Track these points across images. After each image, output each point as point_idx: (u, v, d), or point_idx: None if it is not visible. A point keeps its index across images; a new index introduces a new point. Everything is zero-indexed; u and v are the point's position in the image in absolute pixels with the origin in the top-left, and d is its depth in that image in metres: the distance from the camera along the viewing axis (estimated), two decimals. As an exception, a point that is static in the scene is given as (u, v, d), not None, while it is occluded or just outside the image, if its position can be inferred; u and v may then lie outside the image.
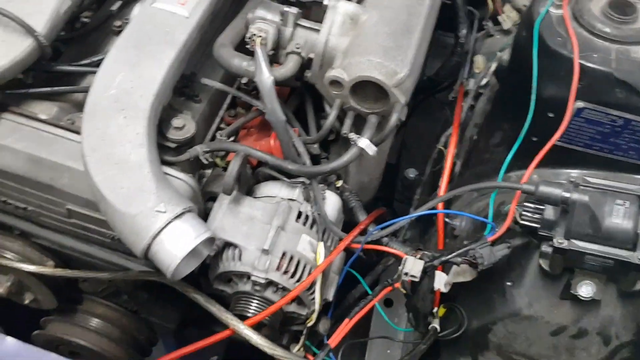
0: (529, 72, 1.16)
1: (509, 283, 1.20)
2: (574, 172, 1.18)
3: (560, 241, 1.00)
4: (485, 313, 1.22)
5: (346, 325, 0.98)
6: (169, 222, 0.84)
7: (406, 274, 0.98)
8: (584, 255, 1.00)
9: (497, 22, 1.53)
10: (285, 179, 1.09)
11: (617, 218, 0.97)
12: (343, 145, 1.13)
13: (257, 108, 1.12)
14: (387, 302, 1.53)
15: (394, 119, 0.99)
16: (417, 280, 0.99)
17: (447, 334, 1.19)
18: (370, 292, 1.10)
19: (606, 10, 1.11)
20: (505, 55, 1.29)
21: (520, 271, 1.19)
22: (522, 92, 1.20)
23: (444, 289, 1.12)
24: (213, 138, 1.10)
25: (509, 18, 1.51)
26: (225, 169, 1.08)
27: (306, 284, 1.00)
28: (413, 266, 0.99)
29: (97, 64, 1.01)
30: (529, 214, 1.07)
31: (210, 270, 1.07)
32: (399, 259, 1.03)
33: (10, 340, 0.82)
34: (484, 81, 1.42)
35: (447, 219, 1.28)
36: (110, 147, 0.89)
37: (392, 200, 1.52)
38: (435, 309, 1.21)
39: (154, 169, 0.89)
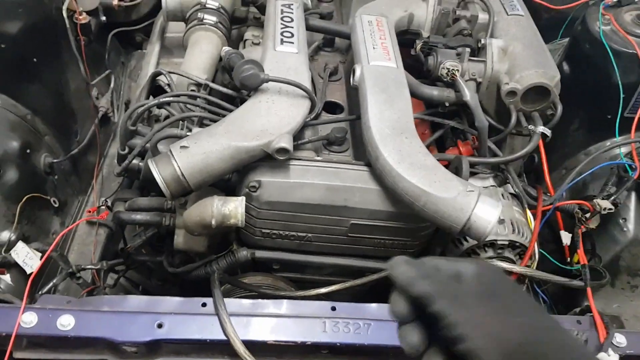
0: (595, 71, 1.66)
1: (621, 220, 1.65)
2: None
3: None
4: (613, 246, 1.65)
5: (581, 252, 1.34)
6: (479, 197, 1.16)
7: (604, 209, 1.38)
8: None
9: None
10: (479, 172, 1.44)
11: None
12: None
13: (426, 131, 1.49)
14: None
15: (560, 109, 1.41)
16: (612, 210, 1.39)
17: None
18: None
19: (636, 21, 1.66)
20: (565, 67, 1.79)
21: (626, 208, 1.64)
22: (592, 87, 1.70)
23: (568, 242, 1.53)
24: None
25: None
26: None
27: (534, 239, 1.35)
28: (605, 204, 1.39)
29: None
30: None
31: (449, 253, 1.38)
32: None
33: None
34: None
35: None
36: (409, 158, 1.20)
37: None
38: (568, 259, 1.60)
39: (442, 167, 1.21)
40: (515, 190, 1.43)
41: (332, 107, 1.56)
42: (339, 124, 1.45)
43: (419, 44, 1.53)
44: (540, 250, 1.58)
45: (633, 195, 1.65)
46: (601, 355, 1.03)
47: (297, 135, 1.31)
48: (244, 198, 1.18)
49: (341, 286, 1.36)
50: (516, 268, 1.28)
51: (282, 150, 1.19)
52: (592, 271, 1.48)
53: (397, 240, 1.34)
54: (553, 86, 1.40)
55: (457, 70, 1.41)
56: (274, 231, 1.30)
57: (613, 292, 1.65)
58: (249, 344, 1.02)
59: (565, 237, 1.59)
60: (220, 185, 1.31)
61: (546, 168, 1.74)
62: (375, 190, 1.26)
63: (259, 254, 1.35)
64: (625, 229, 1.65)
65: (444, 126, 1.50)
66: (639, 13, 1.69)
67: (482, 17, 1.59)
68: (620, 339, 1.09)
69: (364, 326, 1.06)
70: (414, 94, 1.46)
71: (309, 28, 1.67)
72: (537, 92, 1.42)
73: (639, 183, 1.61)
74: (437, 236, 1.39)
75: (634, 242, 1.64)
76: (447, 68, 1.41)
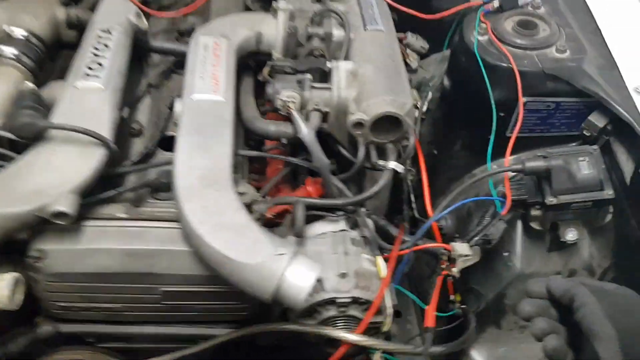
0: (473, 87, 1.49)
1: (505, 253, 1.49)
2: (523, 155, 1.51)
3: (551, 199, 1.31)
4: (496, 283, 1.50)
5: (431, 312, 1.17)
6: (291, 260, 0.99)
7: (460, 255, 1.21)
8: (570, 205, 1.32)
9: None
10: (329, 215, 1.27)
11: (585, 170, 1.30)
12: (359, 177, 1.36)
13: (280, 166, 1.31)
14: (397, 314, 1.74)
15: (412, 141, 1.24)
16: (471, 260, 1.22)
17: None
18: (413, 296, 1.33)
19: (517, 29, 1.48)
20: (446, 81, 1.62)
21: (511, 241, 1.48)
22: (470, 105, 1.53)
23: (457, 275, 1.36)
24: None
25: (414, 59, 1.86)
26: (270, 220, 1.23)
27: (381, 292, 1.18)
28: (462, 249, 1.22)
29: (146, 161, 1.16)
30: (515, 191, 1.38)
31: (289, 312, 1.21)
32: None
33: None
34: (424, 109, 1.74)
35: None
36: (216, 217, 1.02)
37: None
38: (452, 297, 1.44)
39: (256, 224, 1.04)
40: (360, 236, 1.25)
41: (171, 144, 1.37)
42: (166, 167, 1.26)
43: (266, 69, 1.34)
44: (398, 287, 1.41)
45: (519, 227, 1.48)
46: None
47: (109, 185, 1.13)
48: (13, 276, 1.00)
49: (172, 356, 1.19)
50: (348, 337, 1.11)
51: (61, 215, 1.00)
52: (464, 315, 1.32)
53: (224, 305, 1.17)
54: (404, 114, 1.23)
55: (294, 101, 1.22)
56: (74, 304, 1.12)
57: (500, 334, 1.49)
58: None
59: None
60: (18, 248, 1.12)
61: (427, 195, 1.57)
62: (186, 252, 1.08)
63: (65, 327, 1.17)
64: (509, 264, 1.49)
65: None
66: (521, 19, 1.51)
67: (338, 33, 1.41)
68: None
69: None
70: (249, 130, 1.28)
71: (152, 50, 1.48)
72: (390, 122, 1.24)
73: (524, 214, 1.45)
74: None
75: (520, 278, 1.47)
76: (282, 100, 1.23)
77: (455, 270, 1.26)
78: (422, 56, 1.80)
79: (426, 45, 1.72)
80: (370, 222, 1.30)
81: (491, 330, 1.48)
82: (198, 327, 1.21)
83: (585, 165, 1.31)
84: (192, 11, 1.52)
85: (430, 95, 1.73)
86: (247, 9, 1.62)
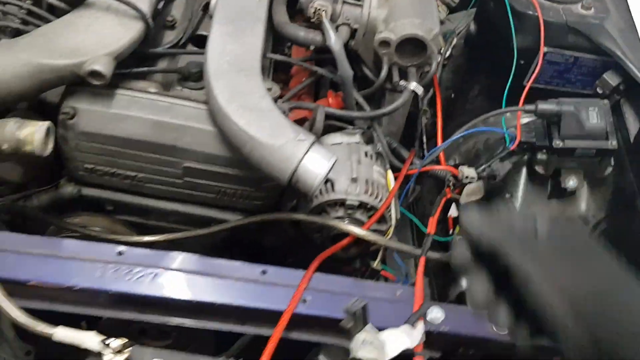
0: (497, 33, 1.53)
1: (507, 195, 1.54)
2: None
3: (557, 142, 1.37)
4: (495, 223, 1.55)
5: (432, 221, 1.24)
6: (310, 147, 1.05)
7: (467, 177, 1.28)
8: (574, 150, 1.37)
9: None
10: (346, 126, 1.33)
11: (593, 119, 1.36)
12: (378, 99, 1.42)
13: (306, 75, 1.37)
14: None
15: (434, 66, 1.29)
16: (474, 196, 1.28)
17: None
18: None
19: (547, -18, 1.53)
20: (472, 27, 1.66)
21: (514, 183, 1.54)
22: (493, 51, 1.58)
23: (456, 214, 1.43)
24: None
25: (443, 11, 1.91)
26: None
27: (389, 200, 1.25)
28: (469, 172, 1.29)
29: (183, 46, 1.22)
30: (524, 134, 1.43)
31: (300, 209, 1.28)
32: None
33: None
34: (447, 54, 1.79)
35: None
36: (242, 98, 1.08)
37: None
38: (451, 232, 1.51)
39: (279, 111, 1.10)
40: (380, 150, 1.31)
41: (203, 42, 1.42)
42: (197, 58, 1.32)
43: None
44: (410, 215, 1.49)
45: (523, 171, 1.54)
46: (403, 326, 0.93)
47: (140, 65, 1.19)
48: (46, 124, 1.05)
49: (183, 235, 1.26)
50: (355, 230, 1.18)
51: (96, 74, 1.06)
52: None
53: (239, 190, 1.23)
54: (429, 39, 1.28)
55: (325, 11, 1.27)
56: (99, 167, 1.18)
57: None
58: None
59: (452, 209, 1.50)
60: (40, 109, 1.18)
61: (440, 130, 1.63)
62: (210, 132, 1.14)
63: (86, 191, 1.24)
64: (510, 205, 1.55)
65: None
66: (551, -25, 1.55)
67: (375, -43, 1.45)
68: (437, 313, 0.99)
69: (149, 275, 0.95)
70: (280, 33, 1.33)
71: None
72: (415, 45, 1.30)
73: (531, 159, 1.51)
74: (288, 190, 1.28)
75: (518, 219, 1.54)
76: (315, 8, 1.28)
77: (460, 196, 1.32)
78: (451, 10, 1.86)
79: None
80: (384, 138, 1.36)
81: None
82: (212, 210, 1.27)
83: (594, 115, 1.36)
84: None
85: (455, 41, 1.79)
86: None
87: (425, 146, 1.74)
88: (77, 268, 0.92)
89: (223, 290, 0.97)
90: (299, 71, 1.47)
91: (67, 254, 0.95)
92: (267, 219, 1.24)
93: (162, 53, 1.24)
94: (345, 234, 1.22)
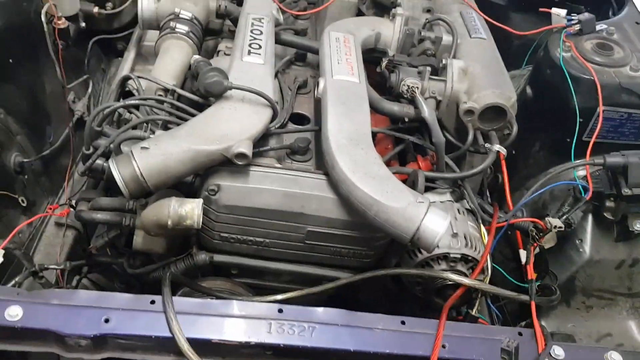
0: (556, 96, 1.72)
1: (578, 241, 1.69)
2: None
3: (626, 191, 1.53)
4: (569, 266, 1.69)
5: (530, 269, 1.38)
6: (429, 208, 1.20)
7: (555, 227, 1.42)
8: (641, 197, 1.53)
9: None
10: (438, 186, 1.49)
11: (657, 168, 1.52)
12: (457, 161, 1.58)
13: (389, 146, 1.54)
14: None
15: (515, 129, 1.46)
16: (562, 228, 1.43)
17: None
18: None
19: (595, 49, 1.73)
20: (528, 90, 1.85)
21: (582, 229, 1.69)
22: (552, 111, 1.76)
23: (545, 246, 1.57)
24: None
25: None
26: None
27: (487, 252, 1.39)
28: (555, 222, 1.44)
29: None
30: (593, 184, 1.59)
31: (404, 265, 1.42)
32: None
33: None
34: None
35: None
36: (364, 168, 1.24)
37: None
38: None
39: (396, 178, 1.25)
40: (470, 206, 1.47)
41: (298, 119, 1.60)
42: (303, 134, 1.49)
43: (384, 62, 1.58)
44: (494, 265, 1.62)
45: (590, 217, 1.69)
46: (537, 364, 1.06)
47: (260, 143, 1.35)
48: (201, 200, 1.21)
49: (297, 293, 1.39)
50: (465, 280, 1.31)
51: (241, 156, 1.22)
52: (544, 289, 1.52)
53: (353, 249, 1.38)
54: (509, 106, 1.46)
55: (417, 87, 1.46)
56: (232, 235, 1.33)
57: (568, 312, 1.69)
58: (194, 342, 1.04)
59: (524, 256, 1.63)
60: (182, 188, 1.34)
61: (507, 186, 1.77)
62: (332, 199, 1.29)
63: (218, 257, 1.38)
64: (581, 250, 1.69)
65: (405, 141, 1.54)
66: (599, 42, 1.75)
67: (447, 38, 1.65)
68: (558, 351, 1.12)
69: (308, 329, 1.08)
70: (375, 109, 1.51)
71: (281, 42, 1.72)
72: (495, 112, 1.47)
73: (597, 206, 1.66)
74: (392, 247, 1.42)
75: (589, 263, 1.68)
76: (407, 85, 1.46)
77: (544, 242, 1.46)
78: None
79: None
80: (474, 196, 1.51)
81: (561, 308, 1.67)
82: (325, 269, 1.41)
83: (657, 164, 1.53)
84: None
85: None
86: (360, 14, 1.87)
87: (488, 199, 1.90)
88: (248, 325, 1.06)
89: (371, 339, 1.09)
90: (382, 139, 1.64)
91: (238, 313, 1.08)
92: (378, 274, 1.38)
93: (280, 132, 1.41)
94: (451, 285, 1.35)
